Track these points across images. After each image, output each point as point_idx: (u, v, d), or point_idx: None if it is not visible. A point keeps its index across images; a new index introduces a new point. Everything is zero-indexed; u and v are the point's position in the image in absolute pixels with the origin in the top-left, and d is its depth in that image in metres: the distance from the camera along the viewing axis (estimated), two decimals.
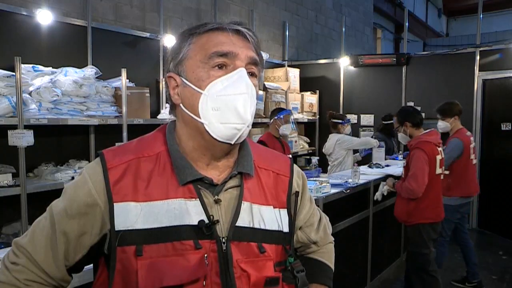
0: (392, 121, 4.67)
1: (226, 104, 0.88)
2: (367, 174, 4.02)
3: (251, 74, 0.92)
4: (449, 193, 3.71)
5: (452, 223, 3.79)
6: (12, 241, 0.95)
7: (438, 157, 3.17)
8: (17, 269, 0.90)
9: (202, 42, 0.91)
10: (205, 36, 0.92)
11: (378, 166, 4.59)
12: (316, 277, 1.12)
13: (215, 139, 0.90)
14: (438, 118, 3.94)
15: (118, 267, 0.87)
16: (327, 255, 1.19)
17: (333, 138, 4.83)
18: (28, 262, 0.90)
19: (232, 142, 0.91)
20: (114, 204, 0.88)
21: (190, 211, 0.89)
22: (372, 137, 5.49)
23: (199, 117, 0.90)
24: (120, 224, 0.87)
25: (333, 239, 1.23)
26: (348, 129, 4.92)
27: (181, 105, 0.94)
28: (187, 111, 0.92)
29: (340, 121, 4.86)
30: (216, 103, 0.88)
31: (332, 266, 1.19)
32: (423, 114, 5.98)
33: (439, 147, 3.21)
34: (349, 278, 3.51)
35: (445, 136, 4.16)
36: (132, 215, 0.87)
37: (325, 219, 1.21)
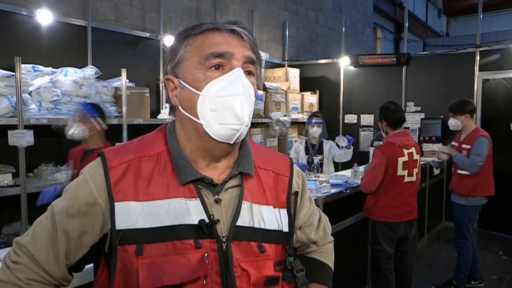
0: None
1: (224, 105, 0.88)
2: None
3: (249, 73, 0.93)
4: (474, 193, 3.65)
5: (474, 223, 3.75)
6: (12, 241, 0.95)
7: (401, 159, 3.12)
8: (18, 268, 0.90)
9: (198, 43, 0.92)
10: (201, 37, 0.92)
11: None
12: (315, 277, 1.12)
13: (214, 139, 0.90)
14: (449, 115, 3.87)
15: (119, 266, 0.87)
16: (327, 254, 1.19)
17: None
18: (29, 261, 0.90)
19: (232, 142, 0.91)
20: (115, 203, 0.88)
21: (191, 211, 0.89)
22: (372, 137, 5.49)
23: (198, 118, 0.90)
24: (121, 223, 0.87)
25: (333, 239, 1.23)
26: (314, 131, 4.29)
27: (179, 107, 0.94)
28: (185, 112, 0.93)
29: (306, 120, 4.38)
30: (214, 104, 0.88)
31: (332, 266, 1.19)
32: (423, 114, 6.12)
33: (407, 148, 3.16)
34: (349, 278, 3.51)
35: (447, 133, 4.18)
36: (133, 215, 0.88)
37: (325, 219, 1.21)
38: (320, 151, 4.36)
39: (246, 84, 0.90)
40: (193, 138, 0.93)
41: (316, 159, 4.28)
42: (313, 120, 4.30)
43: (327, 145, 4.47)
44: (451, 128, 3.95)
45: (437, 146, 4.01)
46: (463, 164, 3.69)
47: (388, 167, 3.10)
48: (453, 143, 3.98)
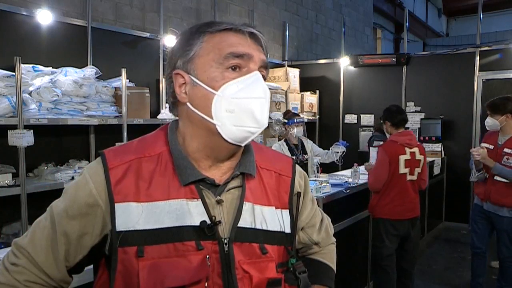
0: None
1: (241, 107, 0.87)
2: (367, 174, 4.01)
3: (262, 78, 0.92)
4: None
5: None
6: (12, 242, 0.94)
7: (403, 157, 3.21)
8: (17, 270, 0.89)
9: (215, 42, 0.90)
10: (218, 35, 0.90)
11: None
12: (317, 278, 1.12)
13: (226, 140, 0.89)
14: (487, 114, 3.44)
15: (119, 268, 0.86)
16: (329, 256, 1.18)
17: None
18: (28, 263, 0.89)
19: (243, 145, 0.91)
20: (115, 204, 0.87)
21: (192, 212, 0.88)
22: (371, 137, 5.48)
23: (212, 118, 0.88)
24: (121, 224, 0.86)
25: (335, 240, 1.23)
26: (297, 131, 4.14)
27: (188, 104, 0.92)
28: (196, 111, 0.90)
29: (286, 120, 4.20)
30: (231, 105, 0.87)
31: (334, 267, 1.19)
32: (423, 114, 6.12)
33: (409, 147, 3.24)
34: (349, 278, 3.51)
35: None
36: (133, 216, 0.87)
37: (327, 220, 1.21)
38: (303, 150, 4.27)
39: (266, 88, 0.90)
40: (201, 136, 0.92)
41: (316, 159, 4.27)
42: (297, 120, 4.20)
43: (309, 144, 4.38)
44: (488, 129, 3.49)
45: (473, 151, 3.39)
46: (506, 175, 3.25)
47: (390, 164, 3.20)
48: (484, 144, 3.47)
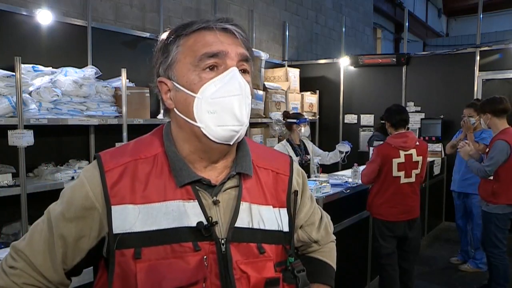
0: None
1: (222, 107, 0.87)
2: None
3: (243, 71, 0.91)
4: (495, 200, 3.37)
5: (505, 231, 3.44)
6: (10, 244, 0.94)
7: (396, 161, 3.15)
8: (15, 273, 0.89)
9: (190, 44, 0.89)
10: (192, 37, 0.90)
11: None
12: (317, 277, 1.11)
13: (213, 141, 0.89)
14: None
15: (117, 270, 0.86)
16: (329, 254, 1.18)
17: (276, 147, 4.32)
18: (26, 266, 0.89)
19: (231, 143, 0.91)
20: (112, 207, 0.87)
21: (189, 213, 0.88)
22: (371, 137, 5.48)
23: (195, 121, 0.89)
24: (118, 227, 0.86)
25: (335, 238, 1.22)
26: (305, 130, 4.17)
27: (175, 109, 0.92)
28: (181, 115, 0.91)
29: (294, 120, 4.17)
30: (212, 106, 0.87)
31: (334, 265, 1.18)
32: (423, 114, 6.12)
33: (404, 150, 3.16)
34: (349, 278, 3.51)
35: None
36: (130, 218, 0.87)
37: (327, 218, 1.20)
38: (306, 151, 4.27)
39: (243, 84, 0.88)
40: (191, 140, 0.92)
41: (316, 159, 4.27)
42: (303, 120, 4.19)
43: (310, 144, 4.38)
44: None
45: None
46: (472, 168, 3.46)
47: (382, 166, 3.17)
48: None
